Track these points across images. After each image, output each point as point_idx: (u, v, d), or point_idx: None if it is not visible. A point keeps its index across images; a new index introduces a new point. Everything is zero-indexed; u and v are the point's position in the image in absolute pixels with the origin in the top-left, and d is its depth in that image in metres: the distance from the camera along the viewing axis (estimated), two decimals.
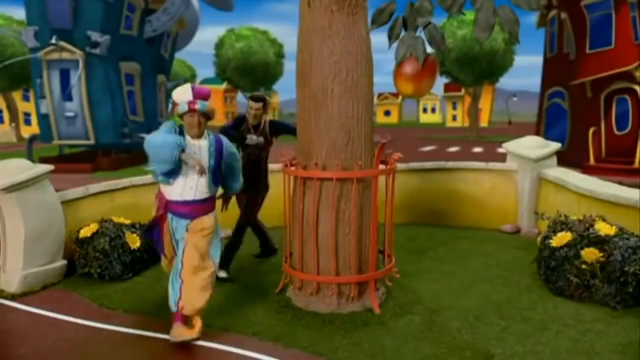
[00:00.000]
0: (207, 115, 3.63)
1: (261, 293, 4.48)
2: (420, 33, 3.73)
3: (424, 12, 3.62)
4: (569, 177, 5.86)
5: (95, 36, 14.51)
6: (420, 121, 69.75)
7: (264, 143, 4.90)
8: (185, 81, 39.91)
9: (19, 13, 23.50)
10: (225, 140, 3.83)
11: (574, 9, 13.76)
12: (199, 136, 3.64)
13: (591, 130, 13.15)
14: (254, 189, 4.92)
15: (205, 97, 3.65)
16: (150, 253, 5.27)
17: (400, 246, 5.32)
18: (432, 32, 3.66)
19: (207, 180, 3.62)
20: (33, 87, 16.06)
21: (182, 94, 3.61)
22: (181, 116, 3.64)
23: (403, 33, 3.77)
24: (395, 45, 3.82)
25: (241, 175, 4.10)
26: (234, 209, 4.65)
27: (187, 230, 3.61)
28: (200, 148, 3.62)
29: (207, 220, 3.65)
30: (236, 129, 4.88)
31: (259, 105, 4.82)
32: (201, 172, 3.45)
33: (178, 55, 23.03)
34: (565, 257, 4.18)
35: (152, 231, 3.82)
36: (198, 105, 3.55)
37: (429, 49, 3.75)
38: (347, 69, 3.89)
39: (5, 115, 37.52)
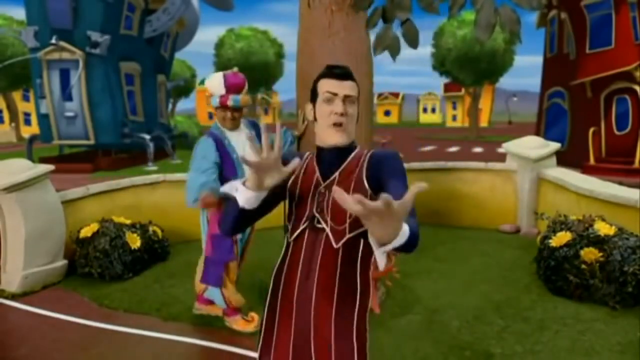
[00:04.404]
0: (242, 110, 3.53)
1: (262, 293, 4.48)
2: (397, 29, 3.72)
3: (404, 7, 3.62)
4: (569, 177, 5.86)
5: (95, 36, 14.52)
6: (420, 121, 69.81)
7: None
8: (186, 81, 39.71)
9: (19, 13, 23.56)
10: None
11: (574, 9, 13.76)
12: (233, 129, 3.56)
13: (591, 130, 13.15)
14: None
15: (239, 89, 3.45)
16: (150, 253, 5.29)
17: None
18: (409, 29, 3.65)
19: None
20: (33, 87, 16.06)
21: (215, 86, 3.43)
22: (215, 109, 3.50)
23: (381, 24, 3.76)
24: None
25: None
26: None
27: None
28: (238, 139, 3.52)
29: None
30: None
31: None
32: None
33: (178, 55, 23.04)
34: (565, 257, 4.18)
35: None
36: (231, 102, 3.40)
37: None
38: None
39: (5, 115, 37.57)
